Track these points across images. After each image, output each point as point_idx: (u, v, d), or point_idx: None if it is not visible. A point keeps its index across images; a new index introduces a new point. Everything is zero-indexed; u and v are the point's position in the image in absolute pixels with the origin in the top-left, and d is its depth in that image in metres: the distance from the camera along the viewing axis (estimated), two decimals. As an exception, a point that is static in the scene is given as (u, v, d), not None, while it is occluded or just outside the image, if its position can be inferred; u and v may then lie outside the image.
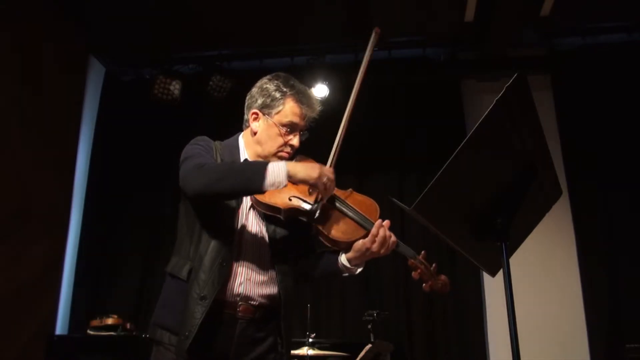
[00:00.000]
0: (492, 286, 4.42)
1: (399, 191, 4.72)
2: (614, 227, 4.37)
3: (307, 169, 1.64)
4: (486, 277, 4.39)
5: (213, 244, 1.68)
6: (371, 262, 1.80)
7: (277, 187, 1.60)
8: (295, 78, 1.91)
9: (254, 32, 4.61)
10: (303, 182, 1.65)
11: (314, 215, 1.71)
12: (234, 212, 1.73)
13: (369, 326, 3.63)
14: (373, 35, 1.85)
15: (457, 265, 4.46)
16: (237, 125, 1.95)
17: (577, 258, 4.41)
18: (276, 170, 1.59)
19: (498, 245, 1.33)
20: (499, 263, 1.37)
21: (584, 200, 4.46)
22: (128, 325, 3.96)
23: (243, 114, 1.92)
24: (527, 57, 4.78)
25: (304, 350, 3.37)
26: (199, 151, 1.74)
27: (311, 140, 1.92)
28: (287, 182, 1.61)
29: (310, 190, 1.75)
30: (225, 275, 1.66)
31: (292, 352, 3.30)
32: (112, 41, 4.78)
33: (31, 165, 4.02)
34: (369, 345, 3.14)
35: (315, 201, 1.72)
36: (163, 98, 4.78)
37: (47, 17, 4.23)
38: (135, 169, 5.01)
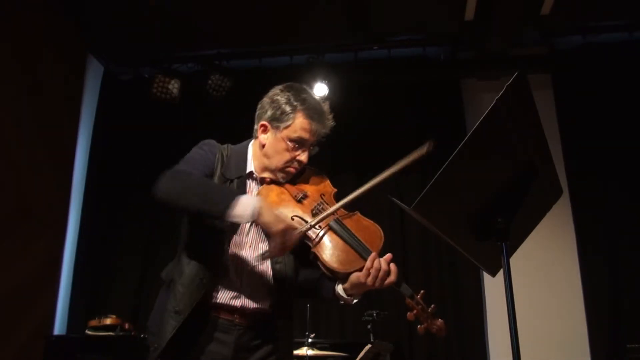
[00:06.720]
0: (492, 286, 4.41)
1: (399, 191, 4.70)
2: (614, 227, 4.36)
3: (275, 219, 1.55)
4: (486, 277, 4.38)
5: (196, 259, 1.65)
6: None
7: (239, 221, 1.55)
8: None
9: (253, 30, 4.59)
10: (264, 226, 1.58)
11: (311, 237, 1.66)
12: (232, 226, 1.67)
13: (369, 326, 3.62)
14: (426, 145, 1.63)
15: (457, 265, 4.45)
16: (236, 124, 1.94)
17: (577, 258, 4.40)
18: (245, 203, 1.52)
19: (498, 245, 1.33)
20: (499, 263, 1.36)
21: (584, 200, 4.44)
22: (126, 326, 3.94)
23: (242, 112, 1.91)
24: (528, 56, 4.76)
25: (304, 351, 3.35)
26: (196, 157, 1.71)
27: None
28: (251, 220, 1.54)
29: (314, 212, 1.70)
30: (203, 289, 1.62)
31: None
32: (111, 40, 4.77)
33: (29, 165, 4.01)
34: (369, 346, 3.12)
35: (317, 224, 1.66)
36: (162, 97, 4.77)
37: (46, 16, 4.22)
38: (133, 168, 4.99)
